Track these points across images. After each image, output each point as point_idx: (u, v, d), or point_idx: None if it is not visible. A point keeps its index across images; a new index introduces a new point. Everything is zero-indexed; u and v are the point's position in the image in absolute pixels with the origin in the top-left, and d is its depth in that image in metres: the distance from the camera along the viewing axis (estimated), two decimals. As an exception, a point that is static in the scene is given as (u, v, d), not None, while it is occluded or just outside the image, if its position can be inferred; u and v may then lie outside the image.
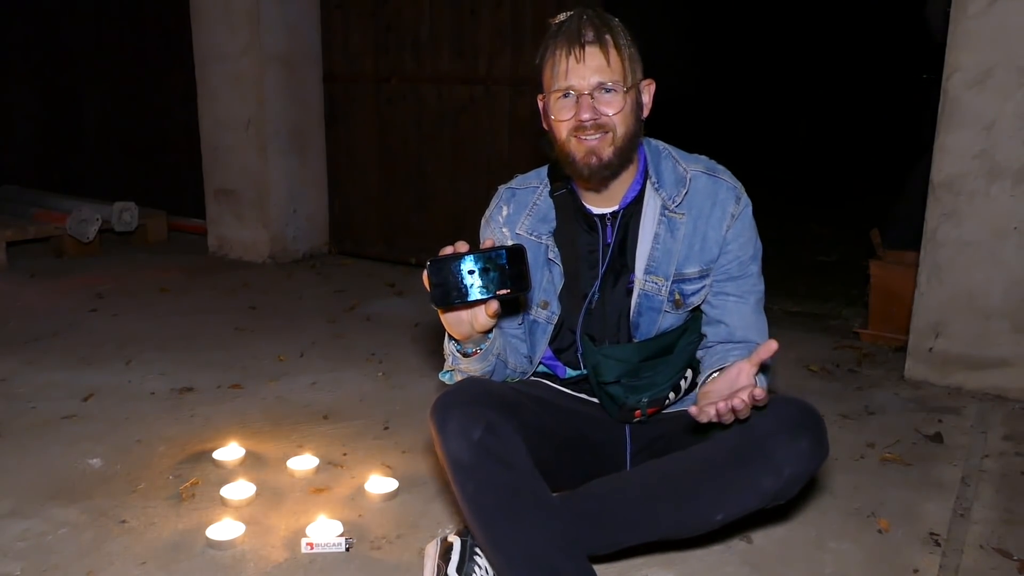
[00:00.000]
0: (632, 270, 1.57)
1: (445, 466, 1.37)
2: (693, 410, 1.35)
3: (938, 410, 2.34)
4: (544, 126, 1.55)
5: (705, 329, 1.63)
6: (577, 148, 1.47)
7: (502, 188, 1.68)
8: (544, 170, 1.66)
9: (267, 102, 3.90)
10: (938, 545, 1.66)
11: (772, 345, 1.32)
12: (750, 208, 1.57)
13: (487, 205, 1.69)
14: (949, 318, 2.46)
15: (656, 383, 1.58)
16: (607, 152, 1.46)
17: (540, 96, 1.54)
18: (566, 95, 1.46)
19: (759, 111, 8.60)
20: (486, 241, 1.30)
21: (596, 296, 1.58)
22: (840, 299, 3.51)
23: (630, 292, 1.57)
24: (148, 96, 4.90)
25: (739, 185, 1.57)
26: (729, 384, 1.36)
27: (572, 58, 1.43)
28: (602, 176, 1.50)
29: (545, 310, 1.61)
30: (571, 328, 1.61)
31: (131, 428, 2.18)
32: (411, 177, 3.98)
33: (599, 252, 1.58)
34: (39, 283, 3.66)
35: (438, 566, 1.44)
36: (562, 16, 1.50)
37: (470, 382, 1.46)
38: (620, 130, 1.46)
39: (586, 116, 1.44)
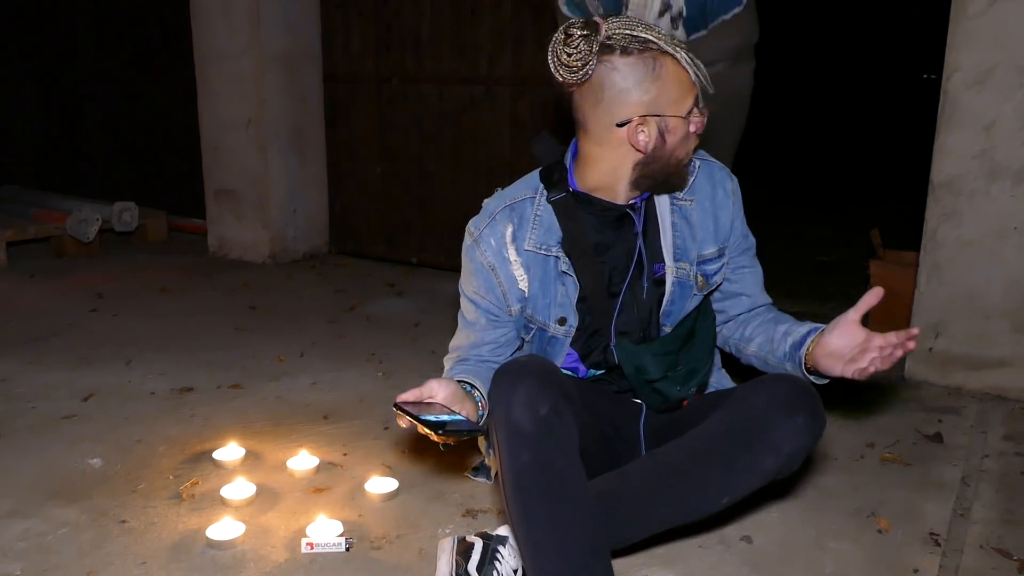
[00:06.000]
0: (654, 260, 1.55)
1: (499, 430, 1.32)
2: (857, 374, 1.36)
3: (938, 410, 2.34)
4: (643, 149, 1.42)
5: (723, 304, 1.66)
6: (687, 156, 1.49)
7: (492, 204, 1.58)
8: (535, 177, 1.57)
9: (267, 102, 3.90)
10: (938, 545, 1.66)
11: (879, 291, 1.38)
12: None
13: None
14: (949, 318, 2.46)
15: (696, 369, 1.59)
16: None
17: (644, 118, 1.40)
18: (692, 113, 1.43)
19: (759, 111, 8.60)
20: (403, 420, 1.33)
21: (626, 290, 1.55)
22: (840, 299, 3.51)
23: (658, 282, 1.56)
24: (148, 96, 4.90)
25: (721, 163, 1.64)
26: (850, 338, 1.40)
27: (689, 72, 1.40)
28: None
29: (563, 326, 1.56)
30: (601, 331, 1.58)
31: (131, 428, 2.18)
32: (412, 177, 3.98)
33: (635, 243, 1.54)
34: (39, 283, 3.66)
35: (457, 562, 1.44)
36: (619, 20, 1.40)
37: (541, 359, 1.44)
38: None
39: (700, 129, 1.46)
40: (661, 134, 1.41)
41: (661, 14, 2.07)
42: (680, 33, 2.11)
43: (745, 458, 1.37)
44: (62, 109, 5.37)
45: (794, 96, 8.81)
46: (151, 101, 4.89)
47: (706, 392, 1.65)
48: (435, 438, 1.28)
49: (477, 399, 1.47)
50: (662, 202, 1.56)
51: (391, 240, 4.11)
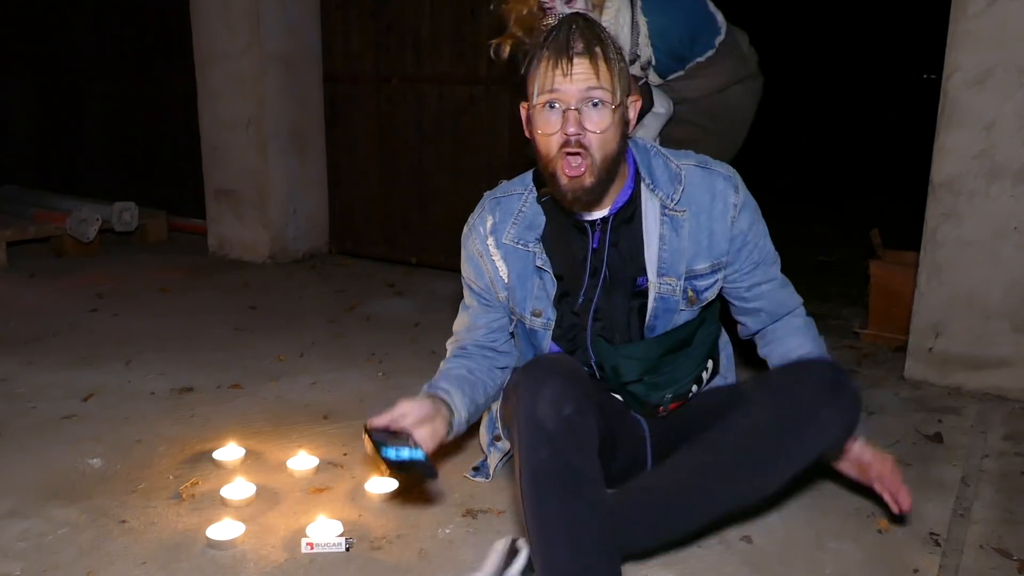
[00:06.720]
0: (635, 273, 1.56)
1: (521, 425, 1.34)
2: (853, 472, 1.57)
3: (938, 410, 2.34)
4: (527, 135, 1.52)
5: (743, 319, 1.67)
6: (563, 168, 1.45)
7: (487, 196, 1.68)
8: (528, 176, 1.64)
9: (267, 102, 3.90)
10: (938, 545, 1.66)
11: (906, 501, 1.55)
12: (750, 194, 1.60)
13: None
14: (949, 318, 2.46)
15: (678, 378, 1.59)
16: (587, 180, 1.45)
17: (523, 104, 1.51)
18: (551, 106, 1.43)
19: (759, 112, 8.58)
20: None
21: (600, 297, 1.57)
22: (840, 299, 3.51)
23: (638, 294, 1.56)
24: (148, 96, 4.90)
25: (734, 173, 1.58)
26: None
27: (560, 69, 1.40)
28: (586, 200, 1.49)
29: (540, 318, 1.60)
30: (581, 330, 1.60)
31: (131, 428, 2.18)
32: (411, 177, 3.98)
33: (601, 255, 1.57)
34: (39, 283, 3.66)
35: (505, 562, 1.45)
36: (551, 20, 1.49)
37: (568, 359, 1.47)
38: (599, 155, 1.44)
39: (572, 131, 1.41)
40: (524, 117, 1.51)
41: (631, 63, 2.08)
42: (653, 78, 2.14)
43: (792, 440, 1.40)
44: (62, 109, 5.37)
45: (794, 96, 8.81)
46: (151, 101, 4.89)
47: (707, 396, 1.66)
48: (389, 475, 1.34)
49: (451, 415, 1.54)
50: (651, 212, 1.55)
51: (391, 240, 4.11)
